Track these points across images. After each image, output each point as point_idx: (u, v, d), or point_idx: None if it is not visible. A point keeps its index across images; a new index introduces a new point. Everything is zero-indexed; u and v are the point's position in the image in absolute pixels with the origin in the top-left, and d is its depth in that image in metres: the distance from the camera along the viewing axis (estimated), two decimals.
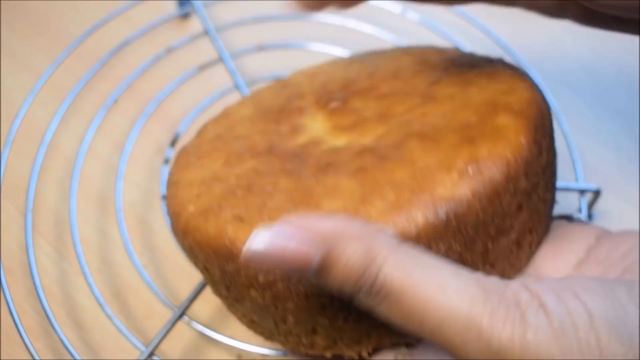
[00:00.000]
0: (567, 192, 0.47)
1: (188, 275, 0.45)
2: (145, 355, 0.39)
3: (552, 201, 0.39)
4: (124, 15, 0.53)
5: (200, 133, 0.42)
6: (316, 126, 0.38)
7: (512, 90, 0.36)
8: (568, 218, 0.43)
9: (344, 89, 0.40)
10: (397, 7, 0.55)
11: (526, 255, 0.36)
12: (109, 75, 0.52)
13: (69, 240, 0.45)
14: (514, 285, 0.26)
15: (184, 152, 0.41)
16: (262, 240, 0.27)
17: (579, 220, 0.41)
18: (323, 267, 0.27)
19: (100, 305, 0.41)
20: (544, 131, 0.36)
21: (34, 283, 0.41)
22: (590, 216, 0.48)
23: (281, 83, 0.44)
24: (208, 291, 0.40)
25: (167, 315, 0.42)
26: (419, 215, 0.31)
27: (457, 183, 0.31)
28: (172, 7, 0.57)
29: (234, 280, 0.34)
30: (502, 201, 0.32)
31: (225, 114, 0.42)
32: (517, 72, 0.38)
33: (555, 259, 0.34)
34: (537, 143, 0.34)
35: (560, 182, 0.46)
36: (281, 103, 0.41)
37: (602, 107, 0.54)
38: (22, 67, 0.55)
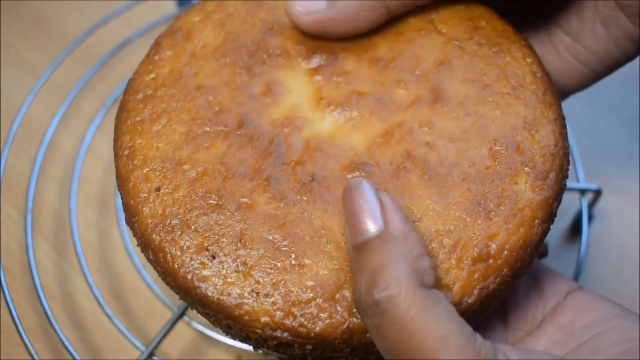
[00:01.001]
0: (568, 192, 0.47)
1: None
2: (145, 355, 0.38)
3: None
4: (123, 15, 0.53)
5: (153, 57, 0.35)
6: (296, 86, 0.32)
7: (535, 124, 0.30)
8: (544, 251, 0.41)
9: None
10: None
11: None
12: (109, 75, 0.52)
13: (69, 240, 0.45)
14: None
15: (135, 86, 0.34)
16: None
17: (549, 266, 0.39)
18: (364, 247, 0.26)
19: (100, 305, 0.40)
20: (559, 190, 0.31)
21: (34, 283, 0.41)
22: (590, 216, 0.48)
23: None
24: None
25: (167, 315, 0.42)
26: None
27: (460, 279, 0.28)
28: (171, 7, 0.57)
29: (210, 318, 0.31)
30: (502, 293, 0.29)
31: (186, 33, 0.35)
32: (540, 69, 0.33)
33: (526, 308, 0.33)
34: (555, 212, 0.30)
35: None
36: (255, 36, 0.34)
37: (602, 107, 0.54)
38: (22, 67, 0.55)
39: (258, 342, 0.29)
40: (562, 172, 0.30)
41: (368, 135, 0.31)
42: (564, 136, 0.31)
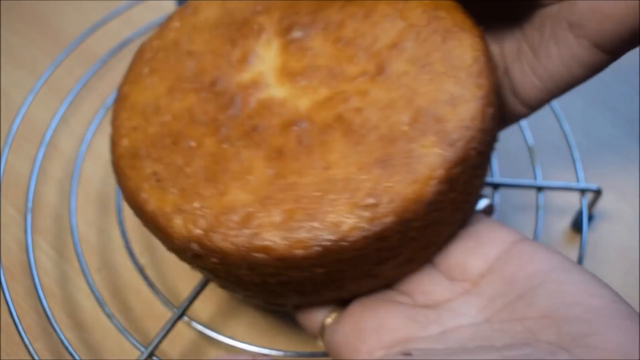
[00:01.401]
0: (568, 191, 0.47)
1: (188, 275, 0.45)
2: (145, 356, 0.38)
3: (472, 201, 0.37)
4: (123, 15, 0.53)
5: (165, 27, 0.40)
6: (268, 57, 0.37)
7: (459, 100, 0.33)
8: (489, 208, 0.42)
9: (313, 14, 0.37)
10: None
11: (420, 263, 0.35)
12: (109, 74, 0.52)
13: (69, 241, 0.45)
14: None
15: (144, 49, 0.39)
16: None
17: (494, 216, 0.40)
18: None
19: (100, 305, 0.40)
20: (478, 151, 0.33)
21: (34, 283, 0.41)
22: (590, 216, 0.48)
23: None
24: (208, 291, 0.40)
25: (167, 315, 0.42)
26: (300, 244, 0.31)
27: (347, 219, 0.31)
28: (171, 7, 0.57)
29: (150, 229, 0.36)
30: (392, 239, 0.32)
31: (195, 9, 0.40)
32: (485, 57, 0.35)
33: (466, 259, 0.34)
34: (455, 177, 0.32)
35: (561, 182, 0.46)
36: (246, 14, 0.39)
37: (602, 107, 0.54)
38: (22, 66, 0.55)
39: (178, 252, 0.35)
40: (473, 143, 0.32)
41: (313, 100, 0.35)
42: (485, 114, 0.33)
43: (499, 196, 0.46)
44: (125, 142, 0.36)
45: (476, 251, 0.34)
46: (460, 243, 0.35)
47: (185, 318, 0.40)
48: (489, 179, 0.46)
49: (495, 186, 0.46)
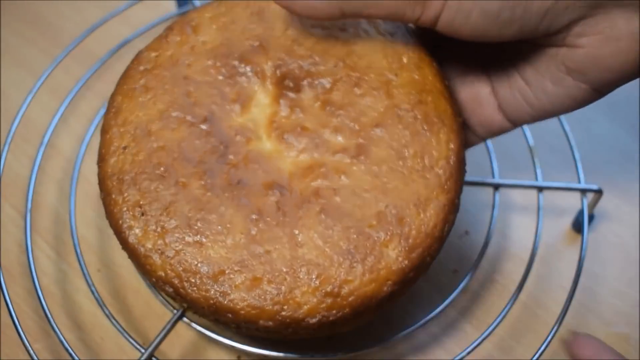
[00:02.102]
0: (569, 191, 0.47)
1: None
2: (145, 356, 0.38)
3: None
4: (123, 15, 0.53)
5: (164, 38, 0.40)
6: (260, 104, 0.38)
7: (425, 204, 0.36)
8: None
9: (309, 66, 0.38)
10: None
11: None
12: (108, 74, 0.52)
13: (69, 241, 0.45)
14: None
15: (140, 58, 0.40)
16: None
17: None
18: None
19: (100, 305, 0.40)
20: (432, 257, 0.36)
21: (33, 284, 0.41)
22: (591, 216, 0.48)
23: (261, 6, 0.40)
24: None
25: (166, 316, 0.42)
26: (264, 314, 0.34)
27: (309, 302, 0.34)
28: (171, 6, 0.57)
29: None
30: (342, 322, 0.35)
31: (195, 27, 0.40)
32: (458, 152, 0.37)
33: None
34: (408, 280, 0.35)
35: (561, 183, 0.46)
36: (245, 49, 0.39)
37: (602, 107, 0.54)
38: (21, 66, 0.55)
39: (154, 286, 0.36)
40: (430, 252, 0.36)
41: (295, 165, 0.36)
42: (446, 222, 0.36)
43: (499, 197, 0.46)
44: (113, 160, 0.37)
45: None
46: None
47: (185, 319, 0.40)
48: (489, 180, 0.46)
49: (496, 187, 0.46)
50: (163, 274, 0.35)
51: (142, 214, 0.35)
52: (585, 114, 0.53)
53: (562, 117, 0.49)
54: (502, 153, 0.49)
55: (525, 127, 0.49)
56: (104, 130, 0.38)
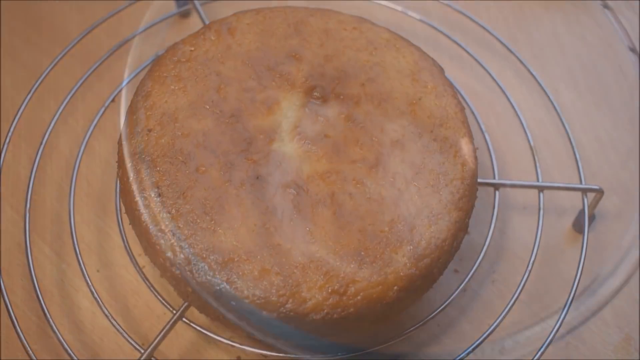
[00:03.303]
0: (569, 191, 0.47)
1: None
2: (144, 356, 0.38)
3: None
4: (122, 15, 0.53)
5: (201, 35, 0.42)
6: (286, 110, 0.40)
7: (437, 218, 0.37)
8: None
9: (337, 80, 0.41)
10: None
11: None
12: (108, 75, 0.52)
13: (68, 241, 0.45)
14: None
15: (175, 48, 0.42)
16: None
17: None
18: None
19: (99, 306, 0.40)
20: (440, 270, 0.37)
21: (33, 284, 0.41)
22: (592, 216, 0.48)
23: (299, 19, 0.43)
24: None
25: (166, 316, 0.42)
26: (268, 305, 0.35)
27: (314, 298, 0.35)
28: (171, 6, 0.57)
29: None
30: (346, 322, 0.35)
31: (232, 29, 0.43)
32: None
33: None
34: (414, 288, 0.36)
35: (562, 182, 0.46)
36: (279, 57, 0.42)
37: (603, 107, 0.54)
38: (21, 66, 0.54)
39: (160, 268, 0.37)
40: (437, 264, 0.37)
41: (313, 168, 0.38)
42: (455, 239, 0.37)
43: (499, 196, 0.46)
44: (136, 140, 0.38)
45: None
46: None
47: (185, 319, 0.40)
48: (490, 180, 0.46)
49: (496, 186, 0.46)
50: (172, 255, 0.35)
51: (159, 195, 0.36)
52: (586, 113, 0.54)
53: (563, 116, 0.49)
54: (503, 153, 0.49)
55: (526, 126, 0.49)
56: (131, 110, 0.39)
